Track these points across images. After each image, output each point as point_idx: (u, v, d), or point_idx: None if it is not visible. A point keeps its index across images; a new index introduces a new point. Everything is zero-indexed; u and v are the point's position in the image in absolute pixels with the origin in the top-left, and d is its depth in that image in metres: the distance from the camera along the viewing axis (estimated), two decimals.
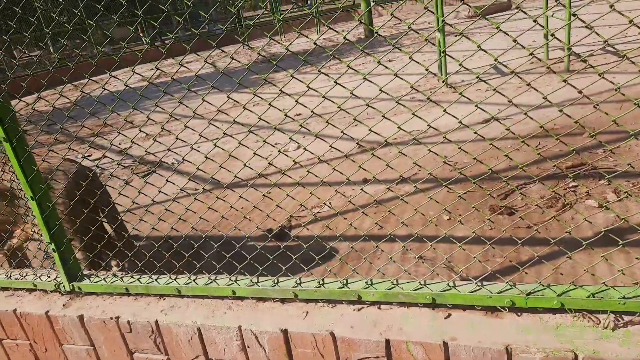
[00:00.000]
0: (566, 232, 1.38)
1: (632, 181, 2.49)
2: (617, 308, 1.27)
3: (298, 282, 1.64)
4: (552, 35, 1.13)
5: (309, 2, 26.99)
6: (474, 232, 1.53)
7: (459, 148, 1.34)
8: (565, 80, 1.14)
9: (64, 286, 1.95)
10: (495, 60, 1.13)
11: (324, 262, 2.24)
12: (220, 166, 1.68)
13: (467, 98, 1.24)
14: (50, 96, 10.47)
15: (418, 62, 1.20)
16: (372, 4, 14.12)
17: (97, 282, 1.91)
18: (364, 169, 1.55)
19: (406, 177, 3.01)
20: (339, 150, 1.49)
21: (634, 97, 1.07)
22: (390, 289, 1.50)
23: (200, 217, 1.92)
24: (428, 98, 1.23)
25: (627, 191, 1.25)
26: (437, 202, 1.71)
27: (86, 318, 1.82)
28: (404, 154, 1.42)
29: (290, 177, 1.61)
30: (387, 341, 1.40)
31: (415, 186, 1.46)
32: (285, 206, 2.91)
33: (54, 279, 1.99)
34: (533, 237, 2.10)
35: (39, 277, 2.05)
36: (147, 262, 1.98)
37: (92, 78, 1.63)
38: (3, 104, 1.74)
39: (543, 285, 1.37)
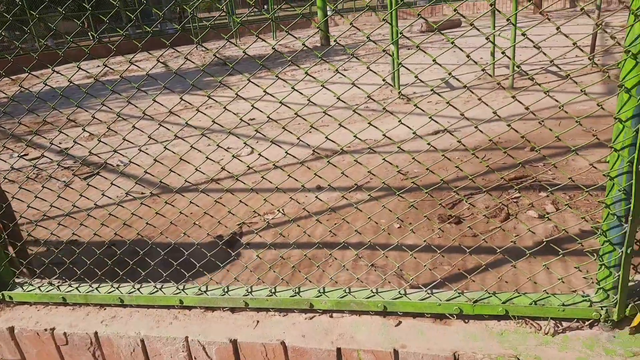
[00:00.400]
0: (511, 241, 1.44)
1: (569, 194, 2.65)
2: (557, 315, 1.33)
3: (249, 290, 1.60)
4: (502, 53, 1.17)
5: (265, 7, 26.94)
6: (424, 241, 1.57)
7: (413, 158, 1.37)
8: (513, 97, 1.19)
9: None
10: (449, 74, 1.16)
11: (276, 269, 2.21)
12: (170, 170, 1.62)
13: (422, 109, 1.27)
14: None
15: (375, 73, 1.21)
16: (329, 13, 14.31)
17: (30, 291, 1.78)
18: (319, 176, 1.55)
19: (360, 185, 3.05)
20: (294, 157, 1.47)
21: (574, 115, 1.13)
22: (342, 297, 1.49)
23: (147, 223, 1.84)
24: (384, 108, 1.25)
25: (567, 203, 1.32)
26: (390, 211, 1.73)
27: (17, 330, 1.68)
28: (359, 162, 1.43)
29: (243, 182, 1.58)
30: (339, 350, 1.39)
31: (369, 194, 1.47)
32: (236, 212, 2.86)
33: None
34: (479, 245, 2.17)
35: None
36: (87, 270, 1.87)
37: (32, 72, 1.53)
38: None
39: (489, 293, 1.41)
